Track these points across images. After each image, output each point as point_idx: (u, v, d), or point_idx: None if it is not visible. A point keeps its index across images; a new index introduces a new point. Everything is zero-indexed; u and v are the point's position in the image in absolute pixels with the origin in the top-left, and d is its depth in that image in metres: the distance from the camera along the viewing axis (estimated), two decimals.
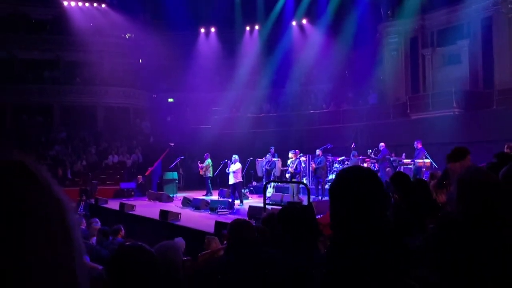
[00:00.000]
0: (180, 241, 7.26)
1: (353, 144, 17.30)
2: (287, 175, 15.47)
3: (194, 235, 10.03)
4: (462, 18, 20.58)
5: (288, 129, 22.93)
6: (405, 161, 14.94)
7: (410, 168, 14.38)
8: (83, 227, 9.56)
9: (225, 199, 14.93)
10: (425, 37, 22.43)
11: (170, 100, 30.93)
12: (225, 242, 6.11)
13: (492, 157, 3.87)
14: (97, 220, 9.47)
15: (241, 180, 15.16)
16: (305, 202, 9.42)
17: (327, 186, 15.44)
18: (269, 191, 14.91)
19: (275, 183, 16.39)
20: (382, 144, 15.33)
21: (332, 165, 16.78)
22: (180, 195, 17.01)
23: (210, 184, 17.78)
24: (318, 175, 14.96)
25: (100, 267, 6.42)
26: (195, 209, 13.90)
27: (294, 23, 27.71)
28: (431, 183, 5.53)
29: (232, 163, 14.74)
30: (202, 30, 29.71)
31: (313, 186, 15.18)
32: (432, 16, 21.89)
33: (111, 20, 28.12)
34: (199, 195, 16.89)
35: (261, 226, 3.30)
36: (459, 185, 1.91)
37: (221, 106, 26.71)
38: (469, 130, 16.50)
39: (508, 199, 1.81)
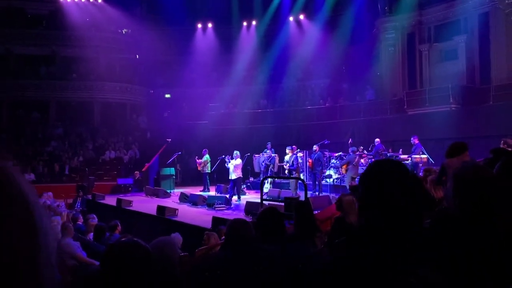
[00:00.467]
0: (177, 237, 7.26)
1: (350, 140, 17.32)
2: (286, 171, 15.50)
3: (191, 231, 10.05)
4: (459, 14, 20.58)
5: (285, 124, 22.94)
6: (402, 156, 14.96)
7: (407, 163, 14.39)
8: (80, 223, 9.56)
9: (223, 195, 14.93)
10: (422, 32, 22.42)
11: (167, 95, 30.87)
12: (223, 237, 6.12)
13: (489, 152, 3.87)
14: (94, 216, 9.45)
15: (241, 176, 15.19)
16: (302, 198, 9.44)
17: (323, 182, 15.47)
18: (266, 187, 14.92)
19: (272, 179, 16.41)
20: (377, 139, 15.34)
21: (329, 161, 16.78)
22: (177, 190, 17.01)
23: (208, 180, 17.78)
24: (315, 171, 14.97)
25: (97, 263, 6.42)
26: (193, 204, 13.90)
27: (291, 18, 27.66)
28: (427, 178, 5.54)
29: (233, 159, 14.74)
30: (199, 25, 29.61)
31: (311, 182, 15.20)
32: (429, 11, 21.87)
33: (108, 15, 28.00)
34: (197, 190, 16.89)
35: (257, 221, 3.30)
36: (455, 180, 1.91)
37: (218, 102, 26.68)
38: (465, 126, 16.54)
39: (503, 194, 1.81)
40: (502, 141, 8.72)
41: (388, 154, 15.27)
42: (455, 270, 1.39)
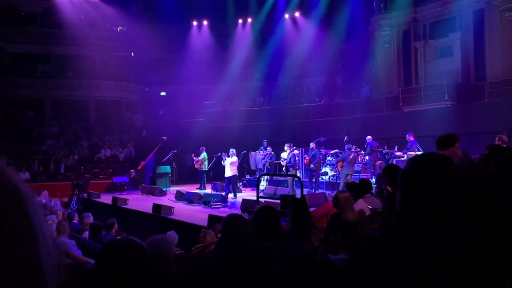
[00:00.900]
0: (172, 235, 7.26)
1: (345, 137, 17.33)
2: (284, 168, 15.53)
3: (187, 229, 10.03)
4: (454, 11, 20.63)
5: (281, 122, 22.94)
6: (398, 153, 14.98)
7: (403, 160, 14.42)
8: (76, 222, 9.54)
9: (219, 193, 14.93)
10: (417, 29, 22.46)
11: (163, 93, 30.81)
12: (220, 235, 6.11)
13: (484, 148, 3.88)
14: (90, 214, 9.45)
15: (237, 173, 15.19)
16: (299, 195, 9.45)
17: (320, 179, 15.49)
18: (263, 185, 14.93)
19: (268, 176, 16.44)
20: (369, 137, 15.34)
21: (325, 158, 16.80)
22: (173, 188, 16.98)
23: (205, 178, 17.76)
24: (311, 168, 14.99)
25: (93, 261, 6.40)
26: (188, 202, 13.88)
27: (286, 16, 27.64)
28: None
29: (229, 156, 14.75)
30: (195, 23, 29.55)
31: (307, 179, 15.21)
32: (424, 8, 21.92)
33: (102, 12, 27.88)
34: (192, 188, 16.87)
35: (254, 219, 3.30)
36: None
37: (214, 100, 26.65)
38: (461, 122, 16.58)
39: (499, 192, 1.80)
40: (497, 138, 8.75)
41: (384, 151, 15.29)
42: (455, 270, 1.38)
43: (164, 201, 14.26)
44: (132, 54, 30.44)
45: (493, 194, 1.75)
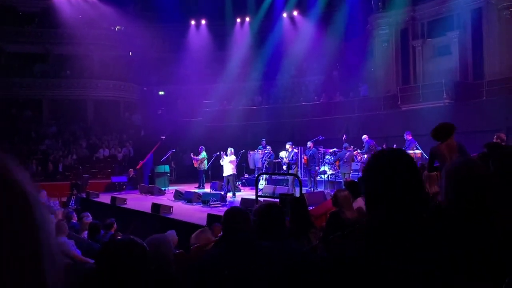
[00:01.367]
0: (172, 234, 7.25)
1: (344, 136, 17.34)
2: (284, 167, 15.51)
3: (186, 228, 10.02)
4: (452, 10, 20.63)
5: (279, 121, 22.94)
6: None
7: None
8: (75, 221, 9.52)
9: (217, 192, 14.92)
10: (416, 28, 22.46)
11: (161, 93, 30.80)
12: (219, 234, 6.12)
13: (483, 147, 3.90)
14: (88, 214, 9.43)
15: (236, 172, 15.19)
16: (297, 194, 9.44)
17: (318, 178, 15.50)
18: (261, 184, 14.93)
19: (267, 176, 16.44)
20: (365, 136, 15.32)
21: (324, 157, 16.80)
22: (172, 188, 16.97)
23: (203, 177, 17.76)
24: (309, 167, 15.00)
25: (92, 261, 6.40)
26: (187, 202, 13.88)
27: (285, 14, 27.63)
28: (422, 174, 5.56)
29: (227, 155, 14.75)
30: (193, 22, 29.52)
31: (305, 178, 15.22)
32: (422, 7, 21.91)
33: (100, 12, 27.83)
34: (191, 188, 16.87)
35: (253, 218, 3.29)
36: (449, 177, 1.88)
37: (212, 99, 26.65)
38: (459, 121, 16.42)
39: (498, 191, 1.80)
40: (495, 136, 8.78)
41: None
42: (454, 269, 1.38)
43: (163, 200, 14.25)
44: (131, 53, 30.42)
45: (493, 194, 1.75)
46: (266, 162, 16.61)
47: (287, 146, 15.23)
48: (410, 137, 14.33)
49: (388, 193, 1.41)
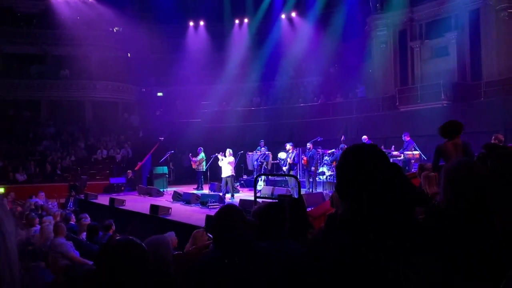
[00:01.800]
0: (171, 236, 7.24)
1: (342, 137, 17.35)
2: (284, 168, 15.47)
3: (185, 230, 10.01)
4: (450, 11, 20.67)
5: (278, 122, 22.95)
6: (394, 153, 15.01)
7: (400, 160, 14.45)
8: (73, 223, 9.51)
9: (216, 193, 14.91)
10: (414, 29, 22.50)
11: (159, 94, 30.76)
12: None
13: (481, 147, 3.90)
14: (87, 215, 9.40)
15: (234, 174, 15.17)
16: (296, 195, 9.44)
17: (317, 179, 15.50)
18: (260, 185, 14.91)
19: (265, 177, 16.41)
20: (364, 136, 15.34)
21: (322, 158, 16.81)
22: (171, 189, 16.95)
23: (202, 178, 17.75)
24: (308, 168, 15.00)
25: (91, 263, 6.39)
26: (186, 203, 13.86)
27: (283, 16, 27.66)
28: (421, 174, 5.56)
29: (226, 156, 14.74)
30: (191, 23, 29.53)
31: (304, 179, 15.22)
32: (420, 8, 21.95)
33: (99, 13, 27.83)
34: (190, 189, 16.85)
35: (252, 219, 3.28)
36: (448, 177, 1.88)
37: (211, 100, 26.64)
38: None
39: (498, 192, 1.79)
40: (493, 137, 8.80)
41: None
42: (454, 269, 1.38)
43: (161, 201, 14.22)
44: (129, 54, 30.40)
45: (493, 194, 1.75)
46: (261, 163, 16.55)
47: (288, 147, 15.17)
48: (409, 138, 14.35)
49: (369, 186, 1.39)
